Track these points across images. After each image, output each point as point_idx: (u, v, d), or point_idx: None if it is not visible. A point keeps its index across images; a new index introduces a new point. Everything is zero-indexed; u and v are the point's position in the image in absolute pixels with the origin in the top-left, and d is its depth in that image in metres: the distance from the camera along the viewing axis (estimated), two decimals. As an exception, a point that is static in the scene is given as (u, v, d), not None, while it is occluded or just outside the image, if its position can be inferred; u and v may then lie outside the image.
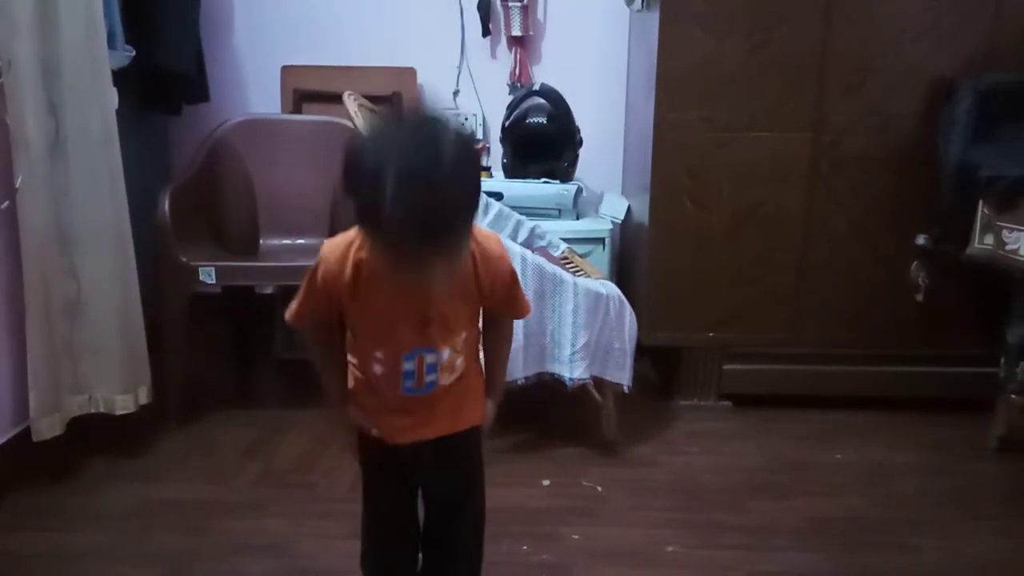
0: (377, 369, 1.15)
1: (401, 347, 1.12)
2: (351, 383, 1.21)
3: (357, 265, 1.09)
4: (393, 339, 1.12)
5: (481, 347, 1.27)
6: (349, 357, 1.21)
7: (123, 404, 1.97)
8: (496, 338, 1.27)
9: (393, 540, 1.30)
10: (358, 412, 1.22)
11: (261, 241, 2.53)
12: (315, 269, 1.14)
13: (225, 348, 2.66)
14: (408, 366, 1.13)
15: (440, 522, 1.30)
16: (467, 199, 0.99)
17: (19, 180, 1.73)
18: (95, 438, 2.00)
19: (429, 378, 1.15)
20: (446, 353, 1.15)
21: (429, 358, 1.14)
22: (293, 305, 1.18)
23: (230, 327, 2.64)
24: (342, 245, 1.10)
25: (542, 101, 2.62)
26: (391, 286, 1.07)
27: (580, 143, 2.68)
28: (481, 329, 1.24)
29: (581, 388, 2.07)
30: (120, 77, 2.07)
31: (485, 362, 1.28)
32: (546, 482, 1.96)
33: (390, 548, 1.30)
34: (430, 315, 1.11)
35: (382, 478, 1.27)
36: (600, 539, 1.72)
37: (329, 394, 1.25)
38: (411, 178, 0.90)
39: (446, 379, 1.17)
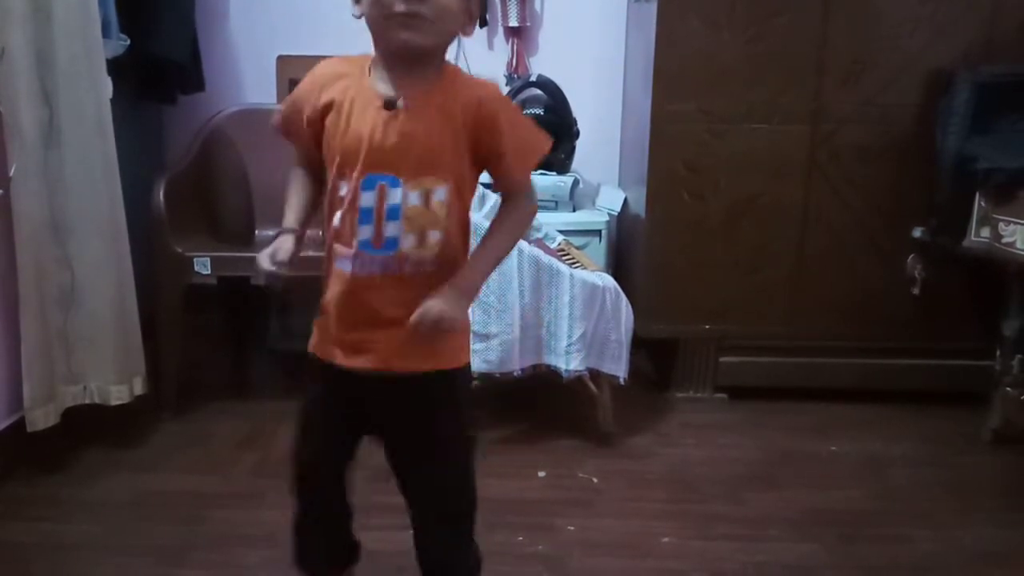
0: (336, 216, 1.04)
1: (362, 169, 1.02)
2: (325, 290, 1.12)
3: (343, 75, 1.06)
4: (357, 154, 1.02)
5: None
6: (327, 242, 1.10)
7: (118, 395, 1.97)
8: (501, 214, 1.11)
9: (316, 474, 1.20)
10: (316, 326, 1.14)
11: (256, 232, 2.51)
12: (304, 81, 1.11)
13: (220, 339, 2.65)
14: (367, 199, 1.01)
15: (410, 497, 1.18)
16: None
17: (12, 169, 1.72)
18: (90, 429, 2.00)
19: (389, 230, 1.02)
20: (413, 196, 1.02)
21: (392, 195, 1.01)
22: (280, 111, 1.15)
23: (225, 318, 2.64)
24: (334, 59, 1.10)
25: (539, 92, 2.61)
26: (369, 88, 1.03)
27: (577, 134, 2.67)
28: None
29: (577, 380, 2.07)
30: (115, 66, 2.05)
31: (481, 241, 1.10)
32: (542, 473, 1.96)
33: (312, 482, 1.21)
34: (398, 100, 1.01)
35: (320, 406, 1.16)
36: (596, 530, 1.73)
37: (284, 216, 1.15)
38: None
39: (411, 244, 1.03)
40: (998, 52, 2.18)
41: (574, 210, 2.58)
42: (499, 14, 2.79)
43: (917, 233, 2.27)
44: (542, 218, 2.42)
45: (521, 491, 1.86)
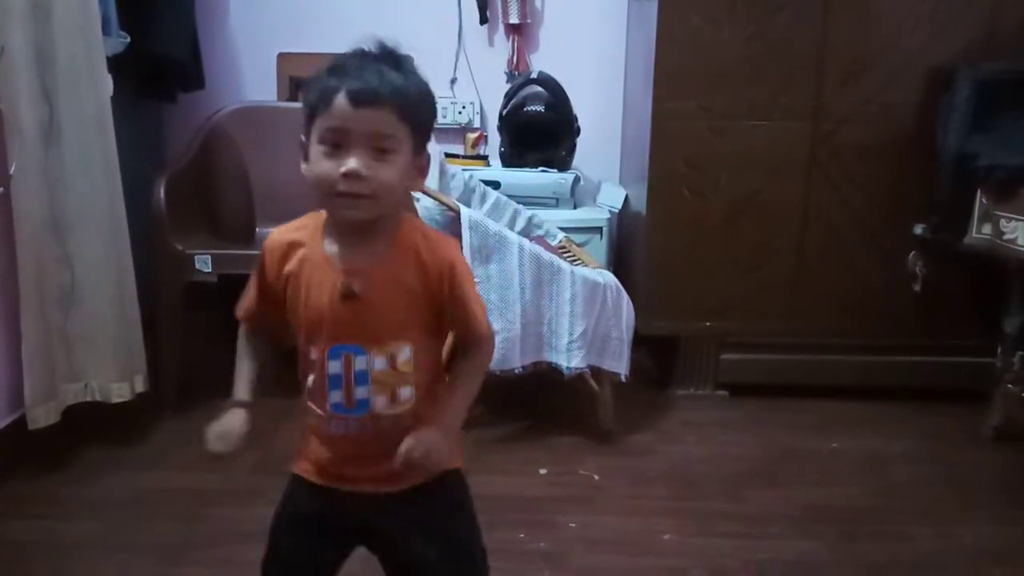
0: (309, 379, 1.04)
1: (327, 340, 1.01)
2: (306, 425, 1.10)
3: (298, 244, 1.04)
4: (320, 327, 1.01)
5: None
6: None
7: (119, 392, 1.97)
8: (462, 363, 1.09)
9: None
10: (304, 454, 1.10)
11: (257, 229, 2.51)
12: (262, 253, 1.08)
13: (221, 337, 2.64)
14: (334, 366, 1.02)
15: None
16: (411, 88, 0.98)
17: (13, 167, 1.72)
18: (90, 426, 2.00)
19: (359, 393, 1.02)
20: (379, 362, 1.01)
21: (358, 362, 1.01)
22: (243, 298, 1.11)
23: (226, 315, 2.63)
24: (286, 227, 1.08)
25: (540, 89, 2.61)
26: (325, 257, 1.01)
27: (578, 132, 2.67)
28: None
29: (578, 377, 2.07)
30: (115, 64, 2.05)
31: (448, 389, 1.09)
32: (543, 470, 1.96)
33: None
34: (353, 287, 0.99)
35: (294, 531, 1.12)
36: (597, 527, 1.73)
37: (235, 389, 1.13)
38: (365, 58, 0.97)
39: (383, 404, 1.02)
40: (999, 49, 2.18)
41: (575, 207, 2.58)
42: (500, 11, 2.79)
43: (918, 230, 2.27)
44: (543, 215, 2.42)
45: (522, 488, 1.86)
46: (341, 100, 0.93)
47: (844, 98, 2.25)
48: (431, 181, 2.03)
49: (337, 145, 0.95)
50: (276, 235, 1.07)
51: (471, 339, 1.07)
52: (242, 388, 1.13)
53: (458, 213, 1.95)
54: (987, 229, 2.05)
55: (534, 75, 2.64)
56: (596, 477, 1.95)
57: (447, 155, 2.59)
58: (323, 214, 1.04)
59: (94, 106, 1.88)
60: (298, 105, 2.77)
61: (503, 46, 2.85)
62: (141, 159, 2.35)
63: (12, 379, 1.85)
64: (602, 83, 2.83)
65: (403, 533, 1.08)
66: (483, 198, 2.34)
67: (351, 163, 0.94)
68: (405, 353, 1.02)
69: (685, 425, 2.25)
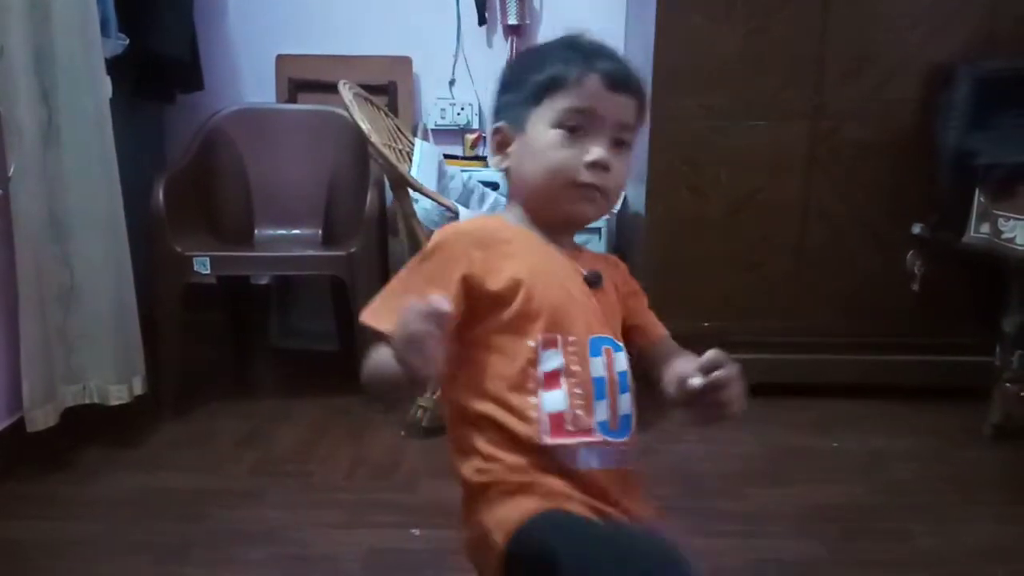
0: (552, 400, 0.80)
1: (583, 331, 0.83)
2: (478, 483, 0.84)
3: (498, 228, 0.88)
4: (571, 315, 0.83)
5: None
6: (474, 442, 0.84)
7: (117, 394, 1.97)
8: (664, 342, 1.02)
9: None
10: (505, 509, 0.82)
11: (256, 231, 2.52)
12: (434, 242, 0.86)
13: (220, 338, 2.65)
14: (597, 367, 0.83)
15: None
16: (642, 81, 0.92)
17: (12, 168, 1.72)
18: (89, 428, 1.99)
19: (623, 404, 0.84)
20: (623, 358, 0.87)
21: (619, 360, 0.85)
22: (380, 306, 0.84)
23: (225, 317, 2.64)
24: (469, 222, 0.95)
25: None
26: (547, 247, 0.88)
27: (577, 131, 2.67)
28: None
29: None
30: (114, 65, 2.05)
31: (666, 353, 0.99)
32: (543, 471, 1.96)
33: None
34: (599, 270, 0.89)
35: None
36: (597, 527, 1.72)
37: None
38: (594, 42, 0.90)
39: (635, 425, 0.87)
40: (998, 46, 2.18)
41: (574, 207, 2.57)
42: (498, 12, 2.79)
43: (917, 229, 2.27)
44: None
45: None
46: (595, 80, 0.84)
47: (844, 96, 2.25)
48: (429, 182, 2.03)
49: (576, 130, 0.85)
50: (462, 223, 0.95)
51: (658, 335, 1.00)
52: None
53: (457, 214, 1.95)
54: (985, 228, 2.05)
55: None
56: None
57: (446, 156, 2.59)
58: (496, 215, 0.94)
59: (93, 107, 1.88)
60: (298, 107, 2.77)
61: (502, 47, 2.85)
62: (140, 160, 2.36)
63: (11, 381, 1.85)
64: (601, 83, 2.83)
65: None
66: (482, 199, 2.34)
67: (599, 152, 0.84)
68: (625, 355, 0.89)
69: (685, 424, 2.23)
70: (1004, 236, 1.99)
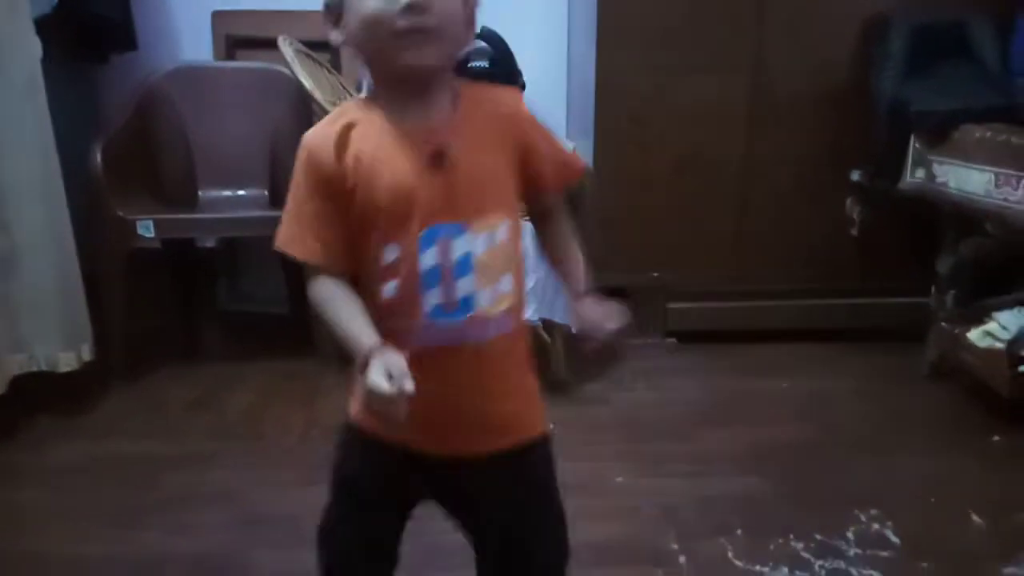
0: (387, 290, 0.86)
1: (419, 222, 0.84)
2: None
3: (350, 126, 0.87)
4: (405, 210, 0.84)
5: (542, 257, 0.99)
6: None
7: (66, 361, 1.94)
8: (557, 230, 0.98)
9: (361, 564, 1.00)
10: (359, 403, 0.92)
11: (200, 193, 2.47)
12: (305, 160, 0.88)
13: (167, 304, 2.61)
14: (428, 259, 0.84)
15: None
16: None
17: (-60, 132, 1.66)
18: (38, 397, 1.97)
19: (462, 287, 0.85)
20: (480, 242, 0.85)
21: (458, 245, 0.84)
22: (291, 235, 0.88)
23: (171, 281, 2.60)
24: (325, 121, 0.91)
25: (483, 45, 2.59)
26: (390, 126, 0.85)
27: (523, 87, 2.65)
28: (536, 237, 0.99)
29: (530, 330, 2.09)
30: (42, 26, 1.98)
31: (560, 259, 0.98)
32: (498, 422, 1.99)
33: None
34: (444, 145, 0.85)
35: (364, 488, 0.96)
36: (551, 473, 1.76)
37: (357, 339, 0.84)
38: None
39: (487, 299, 0.86)
40: (932, -2, 2.23)
41: (522, 163, 2.58)
42: (440, -34, 2.75)
43: (855, 176, 2.33)
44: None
45: (477, 440, 1.89)
46: None
47: (783, 51, 2.29)
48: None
49: None
50: (320, 129, 0.89)
51: (571, 174, 0.96)
52: (365, 333, 0.85)
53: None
54: (920, 173, 2.12)
55: (477, 30, 2.62)
56: (550, 426, 1.97)
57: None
58: (359, 100, 0.91)
59: (22, 69, 1.82)
60: (237, 64, 2.71)
61: (445, 1, 2.82)
62: (75, 124, 2.27)
63: (-47, 351, 1.81)
64: (546, 38, 2.81)
65: (492, 502, 0.96)
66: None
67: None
68: (503, 229, 0.87)
69: (635, 373, 2.29)
70: (938, 180, 2.06)
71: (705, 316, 2.48)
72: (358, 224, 0.86)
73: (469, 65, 2.58)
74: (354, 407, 0.94)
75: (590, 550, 1.49)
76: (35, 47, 1.88)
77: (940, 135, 2.05)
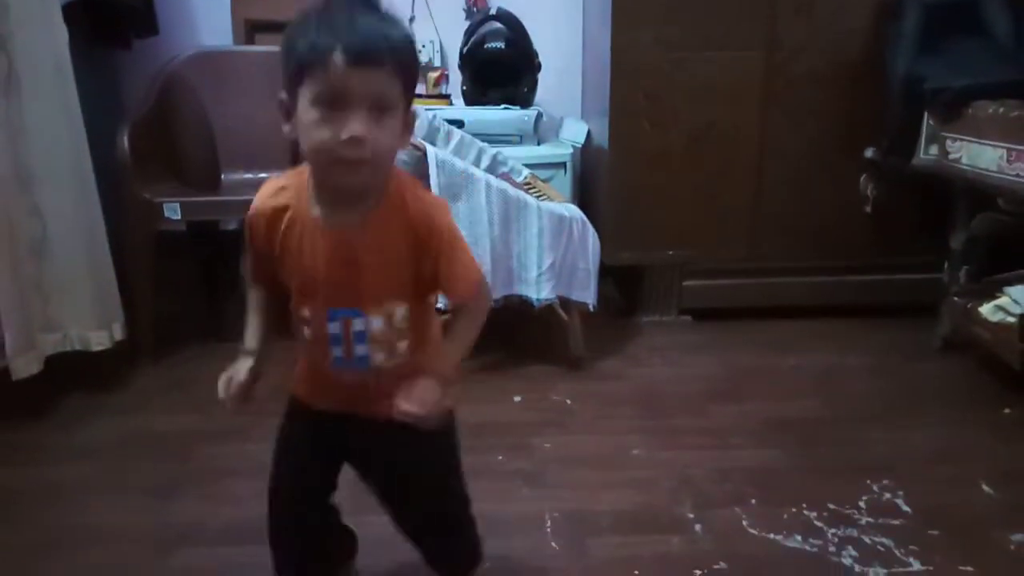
0: (306, 332, 1.06)
1: (324, 302, 1.02)
2: (296, 356, 1.14)
3: (283, 208, 1.02)
4: (313, 292, 1.03)
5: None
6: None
7: (98, 340, 2.00)
8: (457, 317, 1.09)
9: (295, 507, 1.18)
10: (297, 375, 1.15)
11: (223, 176, 2.52)
12: (248, 226, 1.07)
13: (193, 283, 2.67)
14: (333, 328, 1.03)
15: (402, 520, 1.20)
16: (403, 43, 0.93)
17: (-23, 120, 1.71)
18: (72, 375, 2.03)
19: (359, 351, 1.04)
20: (376, 322, 1.02)
21: (356, 324, 1.02)
22: (245, 260, 1.13)
23: (196, 262, 2.65)
24: (267, 191, 1.05)
25: (499, 26, 2.62)
26: (315, 222, 1.00)
27: (539, 68, 2.69)
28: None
29: (548, 308, 2.14)
30: (67, 13, 2.02)
31: (434, 344, 1.12)
32: (518, 398, 2.05)
33: (288, 523, 1.19)
34: (347, 253, 1.00)
35: (297, 441, 1.16)
36: (570, 447, 1.82)
37: (244, 337, 1.12)
38: (347, 9, 0.91)
39: (382, 359, 1.05)
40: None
41: (539, 144, 2.62)
42: (456, -53, 2.78)
43: (869, 153, 2.35)
44: (508, 152, 2.46)
45: (499, 415, 1.94)
46: (339, 59, 0.87)
47: (797, 28, 2.31)
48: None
49: (333, 107, 0.89)
50: (259, 204, 1.04)
51: (460, 298, 1.06)
52: (249, 334, 1.12)
53: (424, 152, 1.98)
54: (934, 150, 2.14)
55: (493, 11, 2.65)
56: (568, 401, 2.03)
57: (409, 95, 2.60)
58: (304, 172, 1.01)
59: (51, 55, 1.87)
60: (256, 48, 2.75)
61: (461, -18, 2.84)
62: (99, 108, 2.32)
63: (-9, 331, 1.87)
64: (561, 18, 2.84)
65: (390, 458, 1.13)
66: (448, 137, 2.36)
67: (355, 128, 0.89)
68: (400, 312, 1.04)
69: (651, 350, 2.34)
70: (951, 157, 2.08)
71: (720, 293, 2.52)
72: (286, 275, 1.06)
73: (485, 47, 2.62)
74: (293, 380, 1.16)
75: (609, 519, 1.55)
76: (62, 34, 1.92)
77: (953, 112, 2.06)
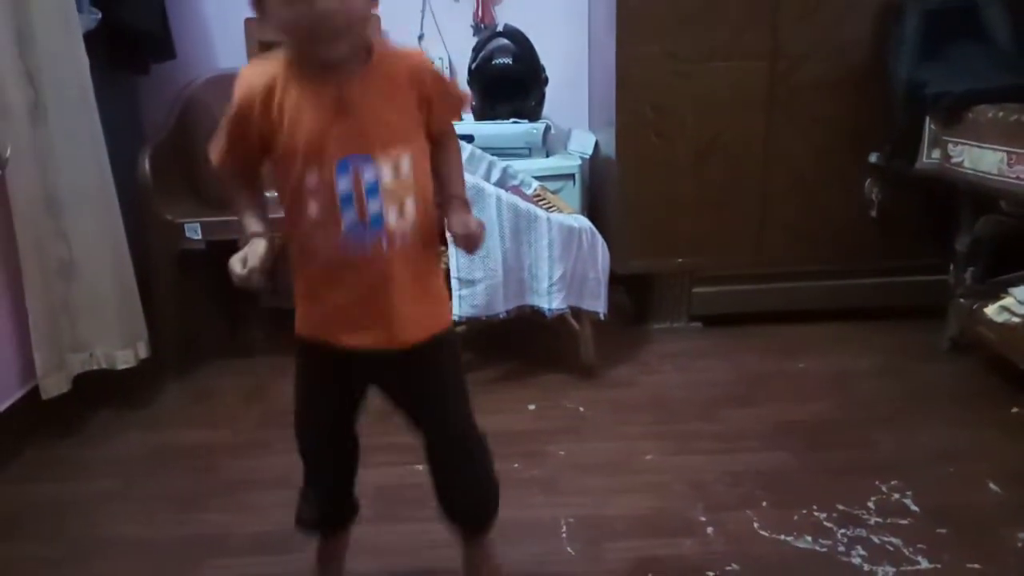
0: (312, 209, 1.07)
1: (331, 155, 1.04)
2: (296, 281, 1.16)
3: (274, 80, 1.06)
4: (321, 147, 1.04)
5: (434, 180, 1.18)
6: (290, 240, 1.14)
7: (124, 359, 2.06)
8: (446, 153, 1.19)
9: (323, 452, 1.28)
10: (302, 312, 1.16)
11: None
12: (234, 94, 1.09)
13: (215, 301, 2.73)
14: (343, 184, 1.05)
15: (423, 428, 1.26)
16: None
17: (8, 150, 1.78)
18: (99, 393, 2.09)
19: (372, 207, 1.06)
20: (386, 170, 1.06)
21: (367, 173, 1.05)
22: (215, 143, 1.13)
23: (217, 280, 2.71)
24: (257, 67, 1.09)
25: (506, 42, 2.67)
26: (308, 85, 1.04)
27: (546, 81, 2.74)
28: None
29: (560, 318, 2.19)
30: (87, 40, 2.09)
31: (442, 175, 1.18)
32: (532, 406, 2.09)
33: (319, 460, 1.29)
34: (349, 98, 1.05)
35: (319, 388, 1.22)
36: (584, 453, 1.86)
37: (245, 225, 1.14)
38: None
39: (394, 217, 1.07)
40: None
41: (547, 156, 2.66)
42: (462, -35, 2.83)
43: (873, 158, 2.38)
44: (517, 165, 2.51)
45: (514, 424, 1.98)
46: None
47: (800, 36, 2.34)
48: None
49: None
50: (250, 84, 1.07)
51: (441, 128, 1.16)
52: (251, 221, 1.14)
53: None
54: (936, 154, 2.17)
55: (500, 28, 2.69)
56: (581, 409, 2.08)
57: (420, 111, 2.65)
58: (281, 53, 1.07)
59: (76, 83, 1.94)
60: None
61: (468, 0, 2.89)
62: (121, 132, 2.40)
63: (22, 352, 1.94)
64: (567, 32, 2.89)
65: (407, 385, 1.21)
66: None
67: (323, 3, 0.95)
68: (406, 161, 1.08)
69: (662, 356, 2.38)
70: (954, 160, 2.11)
71: (729, 299, 2.55)
72: (282, 156, 1.07)
73: (493, 63, 2.67)
74: (297, 323, 1.18)
75: (623, 523, 1.59)
76: (84, 63, 1.98)
77: (954, 116, 2.09)
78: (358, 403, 1.26)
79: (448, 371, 1.22)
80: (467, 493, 1.29)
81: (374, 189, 1.06)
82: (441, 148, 1.18)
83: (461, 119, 1.21)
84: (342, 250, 1.07)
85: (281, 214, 1.14)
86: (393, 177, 1.07)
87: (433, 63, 1.15)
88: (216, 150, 1.13)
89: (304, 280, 1.15)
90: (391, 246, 1.08)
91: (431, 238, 1.15)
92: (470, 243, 1.13)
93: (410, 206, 1.09)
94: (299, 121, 1.05)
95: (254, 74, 1.07)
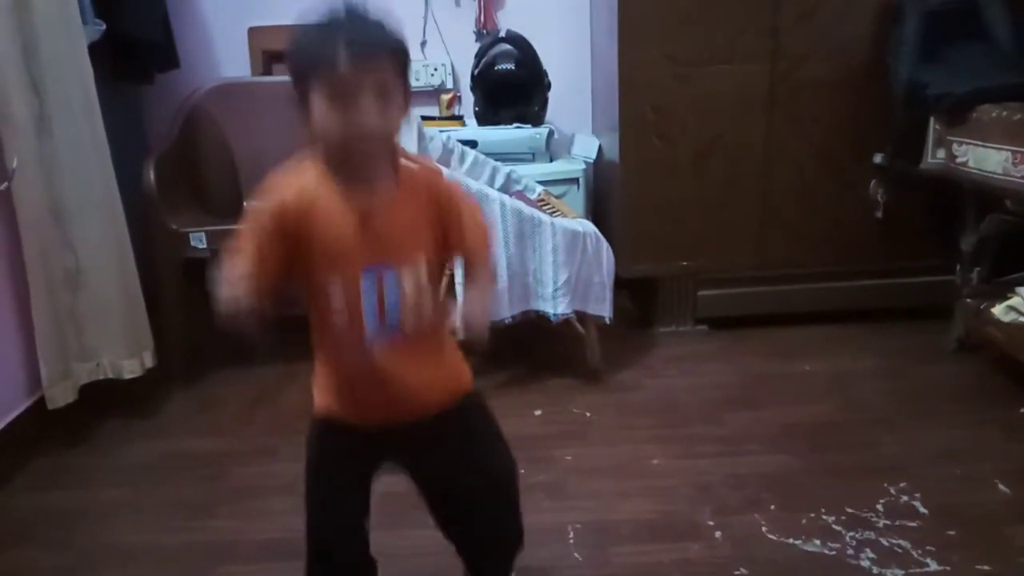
0: (335, 314, 1.10)
1: (357, 263, 1.09)
2: (316, 370, 1.19)
3: (306, 194, 1.09)
4: (347, 256, 1.09)
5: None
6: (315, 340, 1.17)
7: (130, 368, 2.07)
8: (475, 264, 1.21)
9: (345, 542, 1.24)
10: (323, 399, 1.19)
11: (245, 204, 2.58)
12: (263, 206, 1.10)
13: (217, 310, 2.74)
14: (367, 290, 1.09)
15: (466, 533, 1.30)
16: (394, 39, 1.06)
17: (15, 161, 1.79)
18: (106, 402, 2.10)
19: (392, 312, 1.11)
20: (407, 277, 1.11)
21: (388, 280, 1.10)
22: (234, 271, 1.06)
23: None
24: (285, 183, 1.11)
25: (509, 47, 2.68)
26: (335, 196, 1.08)
27: (549, 86, 2.74)
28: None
29: (565, 323, 2.19)
30: (91, 51, 2.10)
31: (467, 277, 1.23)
32: (538, 411, 2.10)
33: (340, 552, 1.24)
34: (375, 209, 1.09)
35: (334, 465, 1.20)
36: (590, 458, 1.86)
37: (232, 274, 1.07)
38: (346, 16, 1.04)
39: (413, 321, 1.12)
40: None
41: (551, 160, 2.67)
42: (463, -28, 2.84)
43: (877, 159, 2.38)
44: (521, 170, 2.51)
45: (520, 428, 1.96)
46: (343, 60, 0.99)
47: (800, 37, 2.34)
48: (409, 145, 2.12)
49: (344, 98, 1.01)
50: (283, 198, 1.09)
51: (478, 246, 1.19)
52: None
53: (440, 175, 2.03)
54: (941, 154, 2.17)
55: (502, 33, 2.70)
56: (587, 414, 2.08)
57: (423, 118, 2.66)
58: (309, 163, 1.10)
59: (80, 94, 1.95)
60: (274, 79, 2.82)
61: (470, 5, 2.90)
62: (126, 142, 2.41)
63: (28, 362, 1.95)
64: (569, 37, 2.89)
65: (436, 458, 1.21)
66: (462, 158, 2.42)
67: (366, 120, 1.01)
68: (423, 266, 1.13)
69: (667, 360, 2.38)
70: (958, 160, 2.11)
71: (734, 302, 2.55)
72: (308, 263, 1.09)
73: (496, 68, 2.68)
74: (317, 400, 1.20)
75: (630, 528, 1.59)
76: (89, 74, 2.00)
77: (958, 116, 2.09)
78: (370, 487, 1.24)
79: (478, 424, 1.25)
80: (502, 542, 1.32)
81: (394, 294, 1.11)
82: (471, 277, 1.21)
83: (484, 251, 1.22)
84: (363, 353, 1.12)
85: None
86: (413, 283, 1.11)
87: (457, 185, 1.20)
88: (241, 275, 1.06)
89: (324, 374, 1.19)
90: (408, 344, 1.13)
91: (441, 319, 1.18)
92: (469, 332, 1.13)
93: (427, 306, 1.13)
94: (328, 229, 1.09)
95: (283, 188, 1.10)
